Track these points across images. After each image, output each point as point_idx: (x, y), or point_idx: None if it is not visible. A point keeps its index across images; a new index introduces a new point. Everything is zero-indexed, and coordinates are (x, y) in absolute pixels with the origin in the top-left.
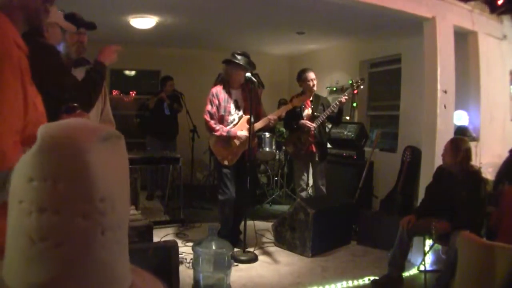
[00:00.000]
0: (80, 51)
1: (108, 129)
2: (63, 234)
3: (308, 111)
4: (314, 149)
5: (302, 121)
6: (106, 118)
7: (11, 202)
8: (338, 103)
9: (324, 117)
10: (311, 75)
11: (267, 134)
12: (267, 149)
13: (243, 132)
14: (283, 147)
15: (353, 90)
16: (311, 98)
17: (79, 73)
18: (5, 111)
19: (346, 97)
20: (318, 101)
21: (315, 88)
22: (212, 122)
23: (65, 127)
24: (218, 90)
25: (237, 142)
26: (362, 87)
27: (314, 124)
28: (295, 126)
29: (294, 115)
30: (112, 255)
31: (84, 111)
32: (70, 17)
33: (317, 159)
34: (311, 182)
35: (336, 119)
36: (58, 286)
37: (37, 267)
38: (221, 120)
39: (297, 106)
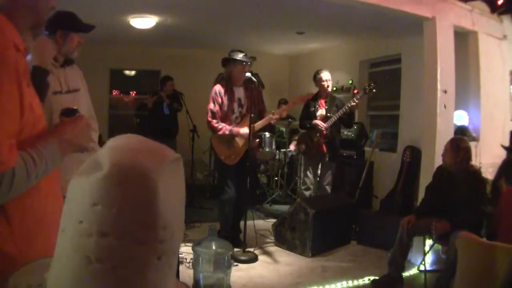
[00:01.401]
0: (75, 53)
1: (172, 153)
2: (122, 259)
3: (321, 112)
4: (324, 149)
5: (315, 121)
6: (89, 113)
7: (68, 219)
8: (349, 106)
9: (336, 118)
10: (325, 75)
11: (267, 134)
12: (267, 149)
13: (245, 130)
14: (292, 146)
15: (365, 94)
16: (326, 99)
17: (70, 71)
18: (1, 116)
19: (358, 100)
20: (333, 102)
21: (329, 88)
22: (214, 121)
23: (134, 154)
24: (221, 88)
25: (240, 141)
26: (374, 90)
27: (325, 125)
28: (308, 126)
29: (308, 115)
30: (164, 278)
31: None
32: (73, 21)
33: (327, 159)
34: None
35: (347, 121)
36: None
37: (89, 286)
38: (225, 118)
39: (309, 105)
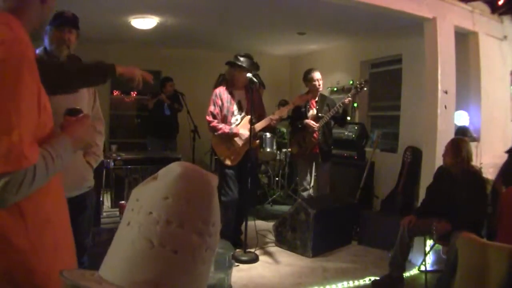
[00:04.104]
0: (61, 50)
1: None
2: (180, 244)
3: (313, 112)
4: (317, 150)
5: (306, 121)
6: (96, 115)
7: (135, 214)
8: (341, 105)
9: (328, 118)
10: (316, 75)
11: (268, 135)
12: (268, 149)
13: (245, 131)
14: (286, 148)
15: (357, 92)
16: (316, 99)
17: None
18: (24, 113)
19: (350, 99)
20: (324, 102)
21: (320, 88)
22: (214, 121)
23: (198, 168)
24: (221, 90)
25: (239, 142)
26: (365, 88)
27: (317, 124)
28: (300, 126)
29: (299, 115)
30: (206, 271)
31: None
32: (57, 15)
33: (320, 159)
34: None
35: (341, 120)
36: (161, 286)
37: (149, 267)
38: (224, 120)
39: (300, 106)
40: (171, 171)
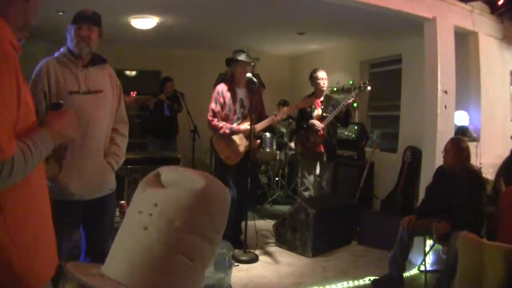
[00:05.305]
0: (81, 47)
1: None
2: (197, 253)
3: (318, 112)
4: (322, 149)
5: (311, 120)
6: (120, 118)
7: (153, 219)
8: (345, 104)
9: (332, 118)
10: (321, 74)
11: (268, 135)
12: (268, 150)
13: (246, 126)
14: (289, 146)
15: (360, 91)
16: (321, 99)
17: (94, 72)
18: (0, 107)
19: (353, 98)
20: (329, 102)
21: (325, 87)
22: (215, 120)
23: (219, 181)
24: (224, 88)
25: (240, 141)
26: (369, 88)
27: (322, 125)
28: (305, 126)
29: (304, 115)
30: (203, 276)
31: None
32: (77, 13)
33: (325, 159)
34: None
35: (343, 120)
36: None
37: (165, 273)
38: (226, 119)
39: (302, 108)
40: (195, 182)
